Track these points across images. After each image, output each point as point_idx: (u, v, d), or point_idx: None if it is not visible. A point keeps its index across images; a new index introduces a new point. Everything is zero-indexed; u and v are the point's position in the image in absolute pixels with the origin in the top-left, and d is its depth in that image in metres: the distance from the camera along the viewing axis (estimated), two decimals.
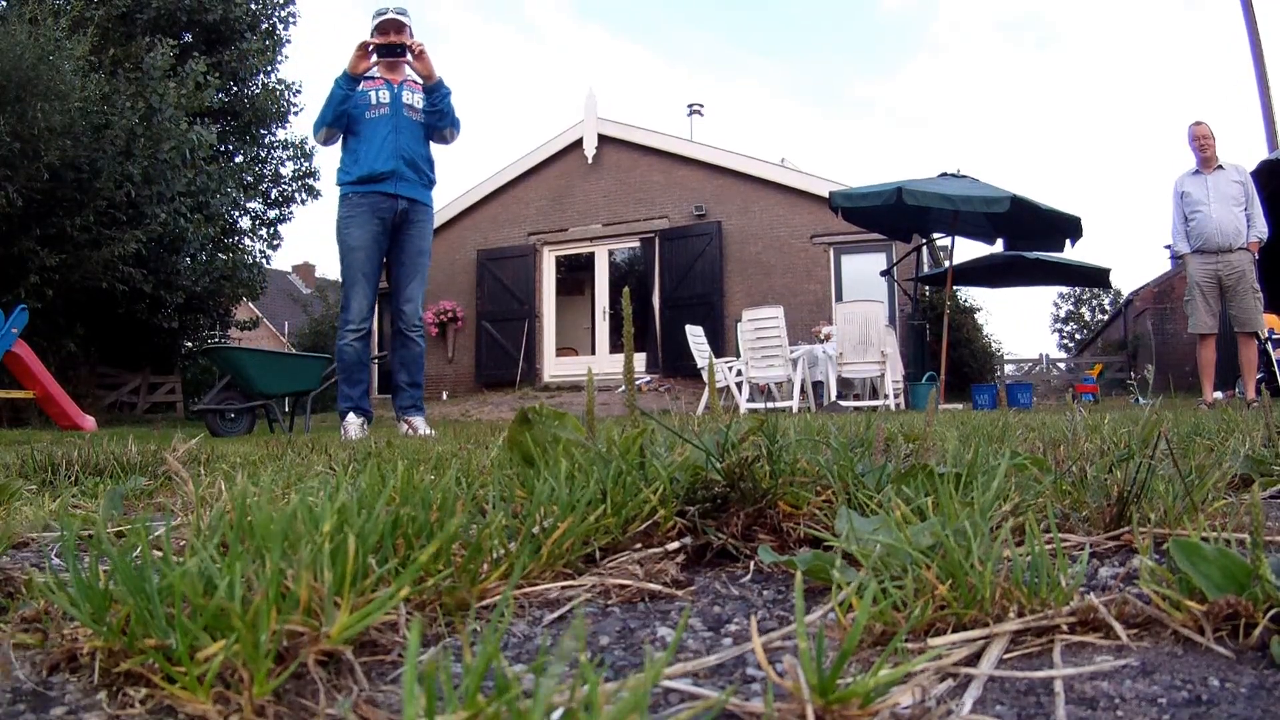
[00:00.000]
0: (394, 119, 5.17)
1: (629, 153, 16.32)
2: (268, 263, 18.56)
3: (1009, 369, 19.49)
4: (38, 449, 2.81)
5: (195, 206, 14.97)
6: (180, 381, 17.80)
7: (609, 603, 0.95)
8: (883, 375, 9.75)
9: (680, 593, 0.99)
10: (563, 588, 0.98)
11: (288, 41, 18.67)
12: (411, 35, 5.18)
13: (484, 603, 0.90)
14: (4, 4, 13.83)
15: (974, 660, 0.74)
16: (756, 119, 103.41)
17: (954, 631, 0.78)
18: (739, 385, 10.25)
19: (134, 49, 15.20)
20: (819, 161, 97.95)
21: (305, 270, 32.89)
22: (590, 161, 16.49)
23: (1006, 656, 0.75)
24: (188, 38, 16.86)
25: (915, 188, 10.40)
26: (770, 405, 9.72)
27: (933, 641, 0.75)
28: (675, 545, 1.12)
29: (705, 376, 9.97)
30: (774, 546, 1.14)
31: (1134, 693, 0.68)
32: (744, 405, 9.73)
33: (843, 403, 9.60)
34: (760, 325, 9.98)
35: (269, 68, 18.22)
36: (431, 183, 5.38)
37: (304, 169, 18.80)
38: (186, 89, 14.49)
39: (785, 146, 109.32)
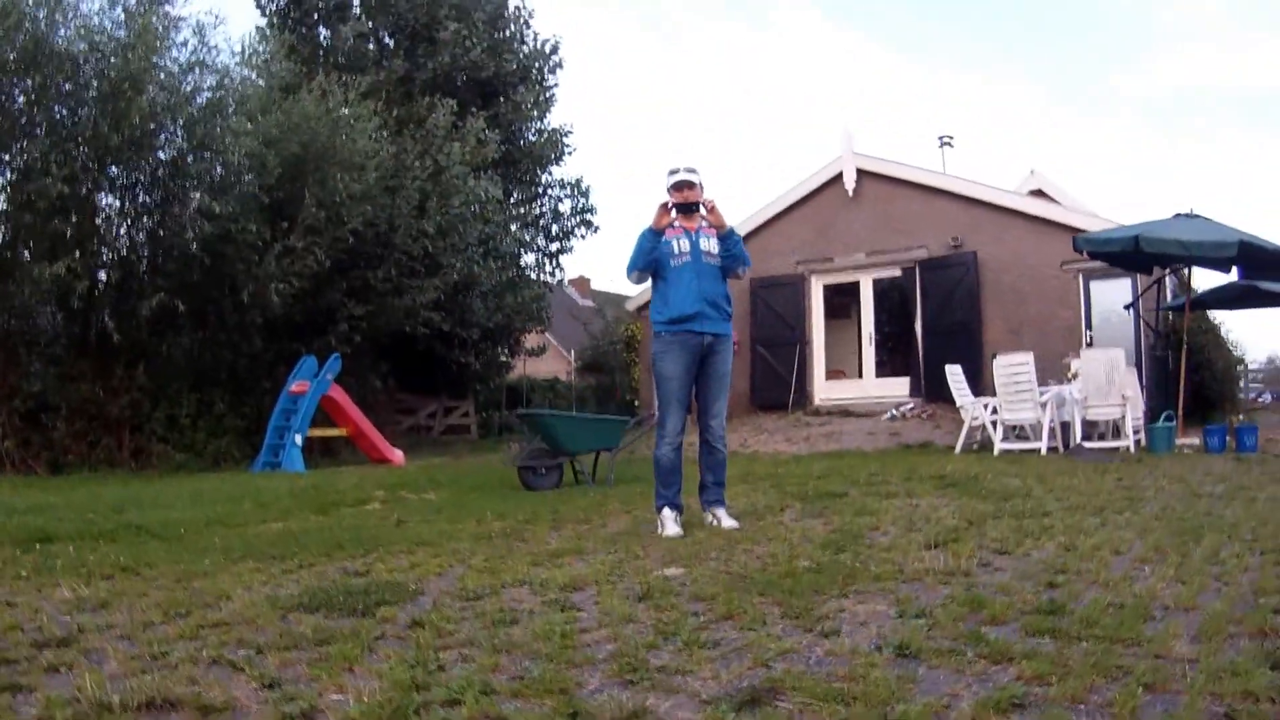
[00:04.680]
0: (695, 266, 6.18)
1: (887, 186, 18.54)
2: (551, 292, 21.86)
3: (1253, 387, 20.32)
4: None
5: (485, 253, 17.85)
6: (473, 405, 21.00)
7: None
8: (1124, 416, 11.92)
9: None
10: None
11: (555, 85, 21.76)
12: (702, 191, 6.27)
13: None
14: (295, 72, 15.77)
15: None
16: (1003, 122, 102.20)
17: None
18: (994, 424, 12.59)
19: (415, 109, 17.74)
20: (1068, 168, 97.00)
21: (581, 284, 36.49)
22: (850, 195, 18.88)
23: None
24: (463, 95, 19.35)
25: (1151, 234, 12.14)
26: (1022, 447, 12.06)
27: None
28: None
29: (964, 417, 12.51)
30: None
31: None
32: (998, 446, 12.10)
33: (1087, 444, 11.79)
34: (1013, 370, 12.25)
35: (542, 117, 21.32)
36: (729, 316, 6.38)
37: (581, 205, 22.01)
38: (469, 145, 16.99)
39: (1033, 152, 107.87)
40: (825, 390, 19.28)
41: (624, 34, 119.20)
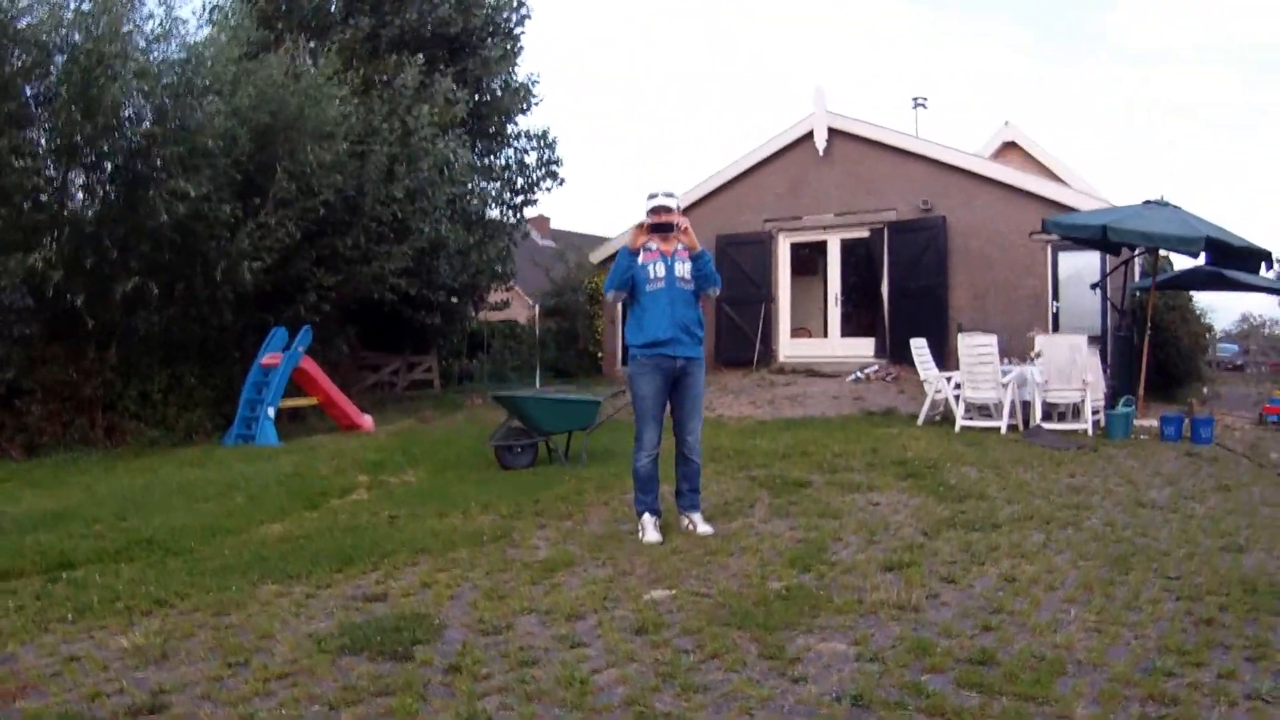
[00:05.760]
0: (669, 291, 6.78)
1: (858, 146, 19.19)
2: (516, 246, 22.44)
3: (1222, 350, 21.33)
4: None
5: (453, 215, 18.19)
6: (436, 359, 21.73)
7: None
8: (1084, 400, 12.81)
9: None
10: None
11: (523, 34, 22.04)
12: (678, 213, 6.91)
13: None
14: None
15: None
16: (982, 74, 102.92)
17: None
18: (957, 398, 13.41)
19: (381, 66, 18.19)
20: (1045, 120, 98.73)
21: (540, 223, 36.70)
22: (821, 154, 19.53)
23: None
24: (430, 51, 19.64)
25: (1119, 225, 13.02)
26: (983, 425, 12.92)
27: None
28: None
29: (927, 390, 13.38)
30: None
31: None
32: (960, 421, 12.97)
33: (1046, 425, 12.67)
34: (978, 350, 13.08)
35: (509, 70, 21.65)
36: (700, 340, 6.97)
37: (547, 157, 22.52)
38: (437, 105, 17.41)
39: (1011, 106, 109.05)
40: (790, 348, 20.17)
41: None
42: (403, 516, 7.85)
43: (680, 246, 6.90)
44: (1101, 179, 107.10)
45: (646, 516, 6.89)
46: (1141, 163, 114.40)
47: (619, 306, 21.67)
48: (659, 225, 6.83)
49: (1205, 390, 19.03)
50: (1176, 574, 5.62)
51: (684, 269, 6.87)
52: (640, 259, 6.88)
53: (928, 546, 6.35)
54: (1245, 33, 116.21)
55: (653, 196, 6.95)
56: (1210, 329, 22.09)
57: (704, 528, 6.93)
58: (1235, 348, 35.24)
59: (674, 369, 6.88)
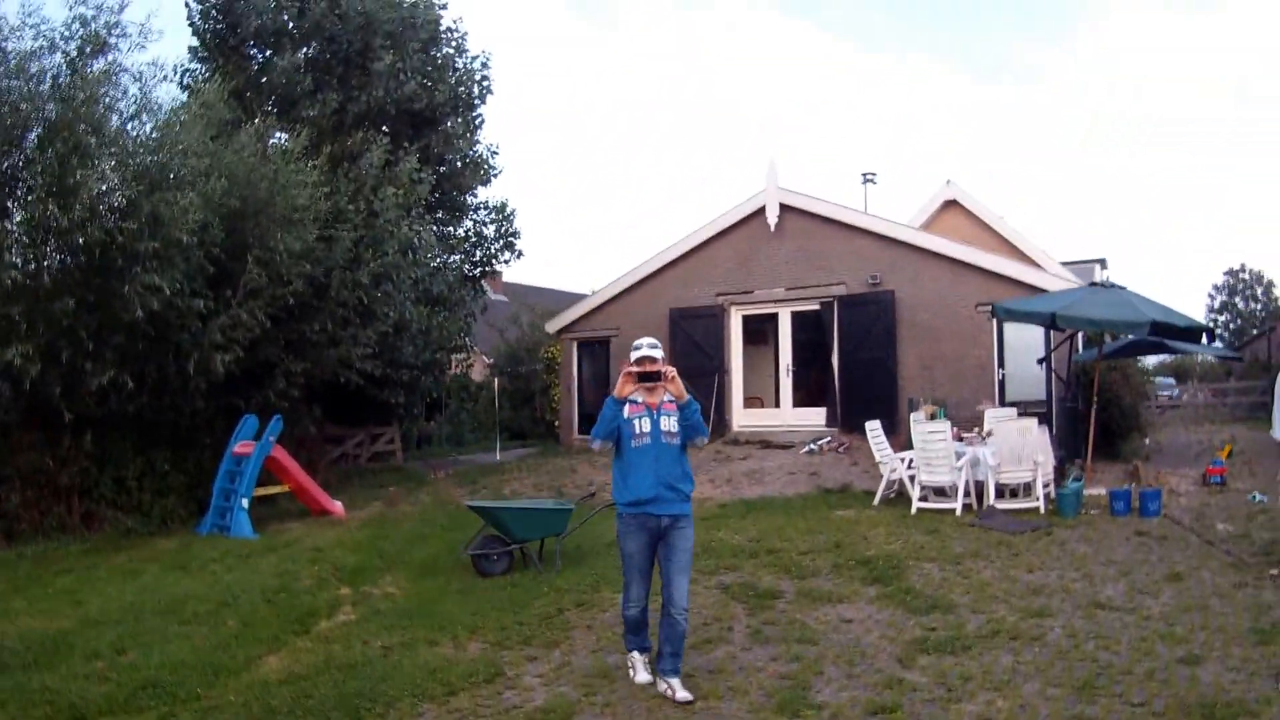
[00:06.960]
0: (654, 448, 6.72)
1: (808, 221, 19.69)
2: (475, 320, 22.61)
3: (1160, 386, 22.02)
4: None
5: (417, 298, 18.40)
6: (398, 430, 21.92)
7: None
8: (1035, 480, 13.24)
9: None
10: None
11: (482, 107, 22.27)
12: (664, 362, 6.84)
13: None
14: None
15: None
16: (921, 106, 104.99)
17: None
18: (911, 479, 13.76)
19: (347, 144, 18.32)
20: (987, 175, 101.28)
21: (493, 279, 36.52)
22: (773, 229, 19.99)
23: None
24: (395, 126, 19.99)
25: (1067, 312, 13.49)
26: (939, 506, 13.28)
27: None
28: None
29: (882, 471, 13.75)
30: None
31: None
32: (915, 504, 13.31)
33: (999, 504, 13.06)
34: (931, 435, 13.47)
35: (471, 147, 21.90)
36: (688, 496, 6.80)
37: (506, 230, 22.79)
38: (402, 186, 17.56)
39: (952, 153, 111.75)
40: (744, 418, 20.57)
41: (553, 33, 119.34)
42: (395, 647, 7.95)
43: (666, 398, 6.89)
44: (1050, 220, 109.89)
45: (636, 655, 7.00)
46: (1119, 187, 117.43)
47: (575, 375, 22.12)
48: (645, 375, 6.81)
49: (1148, 442, 19.60)
50: (1140, 699, 5.90)
51: (670, 423, 6.84)
52: (626, 412, 6.88)
53: (906, 681, 6.57)
54: (1231, 56, 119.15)
55: (637, 347, 6.96)
56: (1146, 372, 22.90)
57: (682, 694, 6.59)
58: (1174, 390, 36.24)
59: (659, 527, 6.79)
